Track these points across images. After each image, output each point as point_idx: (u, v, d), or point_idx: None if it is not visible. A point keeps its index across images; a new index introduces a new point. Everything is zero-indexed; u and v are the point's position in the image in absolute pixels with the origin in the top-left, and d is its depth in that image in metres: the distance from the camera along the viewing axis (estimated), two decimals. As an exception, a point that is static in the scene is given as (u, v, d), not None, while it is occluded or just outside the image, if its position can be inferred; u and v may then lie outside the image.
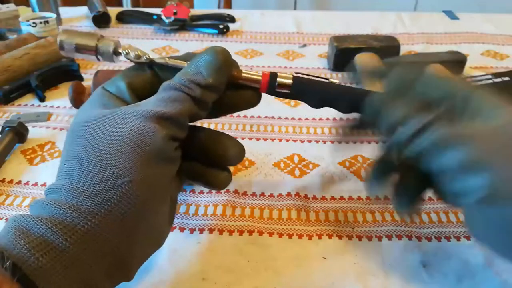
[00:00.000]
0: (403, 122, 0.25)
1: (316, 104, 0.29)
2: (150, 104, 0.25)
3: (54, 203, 0.22)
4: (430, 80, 0.27)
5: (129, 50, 0.28)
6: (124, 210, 0.22)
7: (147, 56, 0.28)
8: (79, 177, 0.23)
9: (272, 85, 0.28)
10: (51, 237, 0.20)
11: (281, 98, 0.53)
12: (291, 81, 0.28)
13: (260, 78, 0.28)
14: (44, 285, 0.19)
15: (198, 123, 0.29)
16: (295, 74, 0.28)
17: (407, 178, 0.28)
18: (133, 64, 0.28)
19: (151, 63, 0.28)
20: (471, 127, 0.24)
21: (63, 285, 0.20)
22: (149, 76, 0.28)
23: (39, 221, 0.21)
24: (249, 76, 0.28)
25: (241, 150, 0.29)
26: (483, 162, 0.23)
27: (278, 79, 0.28)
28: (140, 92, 0.27)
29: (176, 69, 0.27)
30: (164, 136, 0.24)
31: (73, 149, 0.24)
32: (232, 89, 0.28)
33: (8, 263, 0.19)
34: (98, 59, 0.28)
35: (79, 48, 0.27)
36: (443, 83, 0.27)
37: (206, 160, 0.29)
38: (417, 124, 0.24)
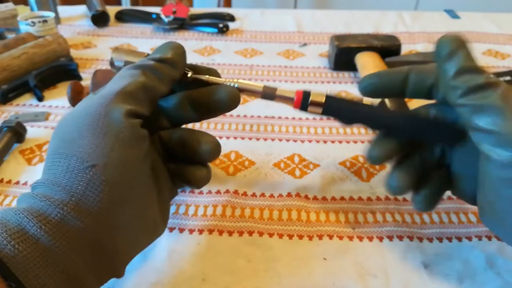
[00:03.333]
0: (470, 73, 0.25)
1: (347, 123, 0.31)
2: (107, 86, 0.26)
3: (33, 194, 0.22)
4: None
5: None
6: (93, 197, 0.22)
7: (191, 73, 0.30)
8: (52, 170, 0.23)
9: (305, 102, 0.30)
10: (27, 225, 0.20)
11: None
12: (323, 100, 0.30)
13: (293, 96, 0.30)
14: (21, 273, 0.19)
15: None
16: (328, 94, 0.30)
17: (431, 177, 0.29)
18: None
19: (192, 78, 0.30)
20: None
21: (41, 274, 0.19)
22: (141, 80, 0.27)
23: (17, 211, 0.21)
24: (284, 94, 0.30)
25: (214, 144, 0.29)
26: None
27: (311, 98, 0.30)
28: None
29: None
30: (122, 113, 0.24)
31: (49, 147, 0.25)
32: (207, 91, 0.30)
33: None
34: None
35: (128, 65, 0.30)
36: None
37: (185, 158, 0.29)
38: (484, 79, 0.25)
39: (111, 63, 0.30)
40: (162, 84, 0.27)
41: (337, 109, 0.30)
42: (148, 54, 0.30)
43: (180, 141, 0.29)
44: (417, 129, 0.29)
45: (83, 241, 0.21)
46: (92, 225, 0.22)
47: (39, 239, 0.20)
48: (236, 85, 0.30)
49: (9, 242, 0.19)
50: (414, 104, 0.45)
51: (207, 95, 0.29)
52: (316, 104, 0.30)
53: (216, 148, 0.29)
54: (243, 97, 0.55)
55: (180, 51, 0.29)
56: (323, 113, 0.30)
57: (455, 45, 0.26)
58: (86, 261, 0.21)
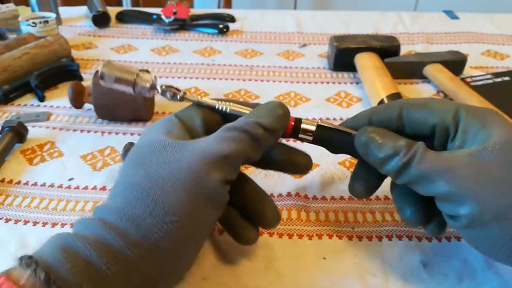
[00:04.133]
0: (387, 161, 0.27)
1: (335, 152, 0.31)
2: (210, 142, 0.26)
3: (103, 225, 0.22)
4: (419, 111, 0.29)
5: (165, 87, 0.30)
6: (164, 248, 0.23)
7: (182, 93, 0.30)
8: (133, 204, 0.23)
9: (296, 129, 0.30)
10: (97, 262, 0.21)
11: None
12: (314, 127, 0.30)
13: None
14: None
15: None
16: (319, 123, 0.30)
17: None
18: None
19: (182, 99, 0.30)
20: (450, 159, 0.25)
21: None
22: (244, 149, 0.27)
23: (85, 242, 0.21)
24: None
25: (277, 216, 0.30)
26: (460, 194, 0.24)
27: (302, 125, 0.30)
28: (212, 128, 0.28)
29: (212, 109, 0.30)
30: (219, 181, 0.24)
31: (133, 174, 0.25)
32: (285, 151, 0.31)
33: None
34: (134, 91, 0.30)
35: (118, 81, 0.30)
36: (431, 111, 0.28)
37: (243, 212, 0.30)
38: (398, 162, 0.26)
39: (101, 77, 0.29)
40: (258, 154, 0.27)
41: (327, 139, 0.30)
42: (140, 70, 0.30)
43: (243, 194, 0.29)
44: None
45: (139, 284, 0.22)
46: (151, 270, 0.23)
47: (105, 278, 0.21)
48: (228, 109, 0.29)
49: (76, 281, 0.20)
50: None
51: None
52: (306, 131, 0.30)
53: (277, 218, 0.30)
54: (245, 96, 0.55)
55: (286, 122, 0.29)
56: (313, 141, 0.30)
57: (362, 143, 0.28)
58: None
